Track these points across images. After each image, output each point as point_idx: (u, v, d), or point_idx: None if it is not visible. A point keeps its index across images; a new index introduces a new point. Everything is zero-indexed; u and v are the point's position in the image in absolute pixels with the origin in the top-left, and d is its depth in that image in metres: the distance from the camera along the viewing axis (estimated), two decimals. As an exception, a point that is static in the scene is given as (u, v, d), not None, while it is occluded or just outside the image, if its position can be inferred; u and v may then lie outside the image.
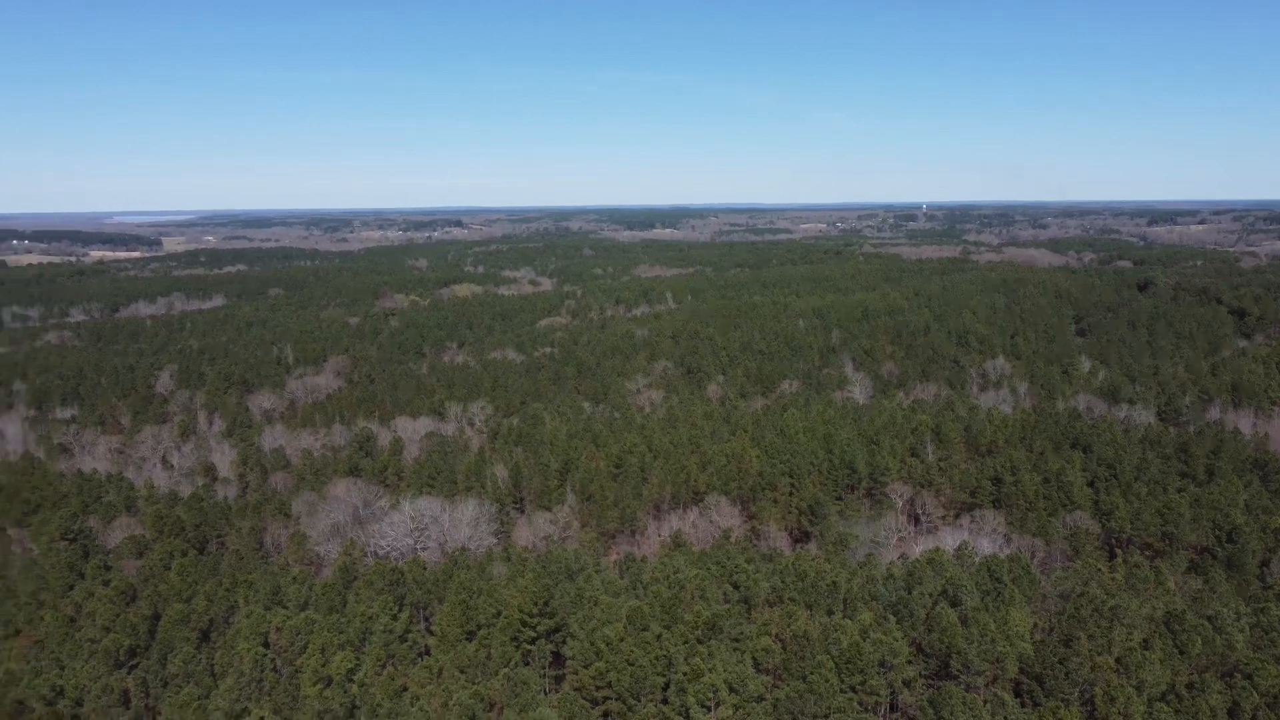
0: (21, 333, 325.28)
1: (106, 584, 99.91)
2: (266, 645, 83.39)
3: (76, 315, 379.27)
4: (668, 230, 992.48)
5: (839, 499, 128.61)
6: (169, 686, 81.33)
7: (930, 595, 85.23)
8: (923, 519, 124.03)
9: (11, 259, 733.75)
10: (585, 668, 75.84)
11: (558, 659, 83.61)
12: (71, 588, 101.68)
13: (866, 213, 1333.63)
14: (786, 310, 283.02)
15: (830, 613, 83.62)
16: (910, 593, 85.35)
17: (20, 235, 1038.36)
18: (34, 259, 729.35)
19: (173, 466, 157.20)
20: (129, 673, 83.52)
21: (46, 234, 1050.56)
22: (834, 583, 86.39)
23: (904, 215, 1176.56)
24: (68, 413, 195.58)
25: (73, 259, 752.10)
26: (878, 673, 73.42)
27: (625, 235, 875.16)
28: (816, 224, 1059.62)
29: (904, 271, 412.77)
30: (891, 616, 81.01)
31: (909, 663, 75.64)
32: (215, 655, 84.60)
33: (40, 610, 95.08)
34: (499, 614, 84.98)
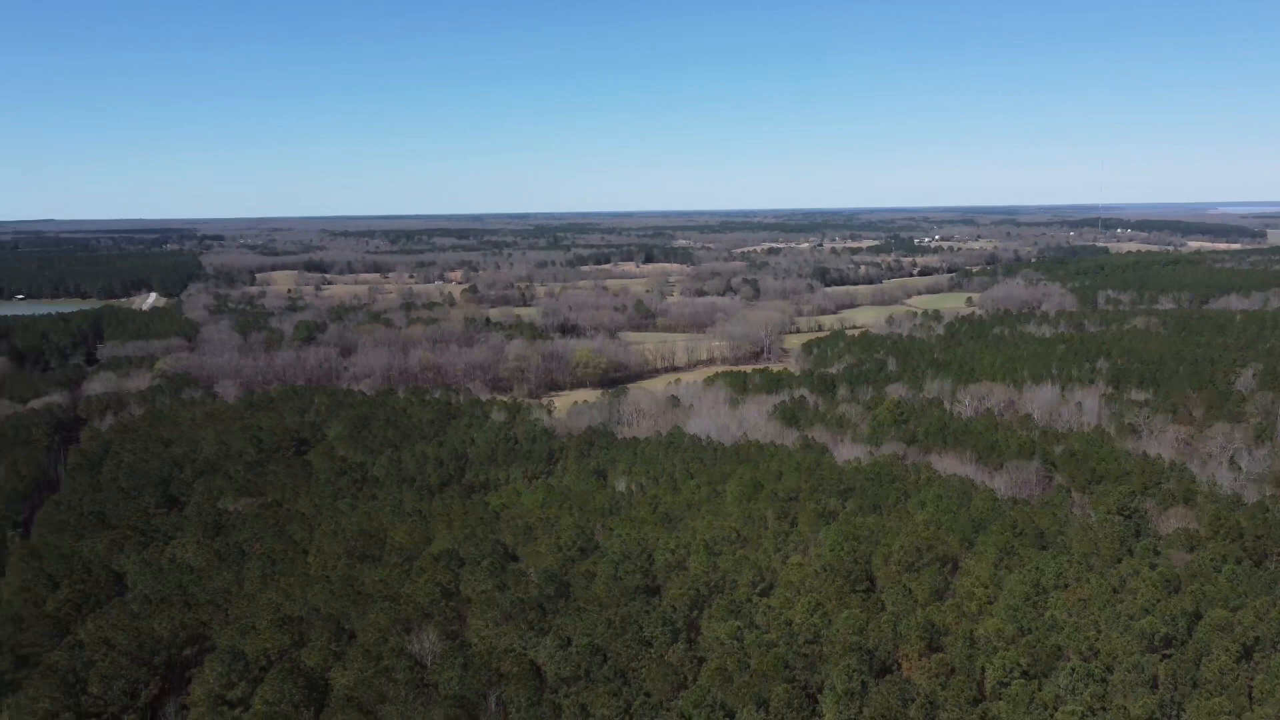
0: (1111, 314, 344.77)
1: (1153, 568, 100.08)
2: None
3: (1165, 303, 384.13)
4: None
5: None
6: (1198, 689, 77.88)
7: None
8: None
9: (1114, 246, 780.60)
10: None
11: None
12: (1119, 560, 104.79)
13: None
14: None
15: None
16: None
17: (1125, 224, 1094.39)
18: (1133, 246, 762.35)
19: (1240, 468, 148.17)
20: (1161, 660, 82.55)
21: (1148, 223, 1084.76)
22: None
23: None
24: (1142, 395, 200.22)
25: (1169, 248, 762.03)
26: None
27: None
28: None
29: None
30: None
31: None
32: (1255, 676, 77.67)
33: (1088, 572, 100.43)
34: None
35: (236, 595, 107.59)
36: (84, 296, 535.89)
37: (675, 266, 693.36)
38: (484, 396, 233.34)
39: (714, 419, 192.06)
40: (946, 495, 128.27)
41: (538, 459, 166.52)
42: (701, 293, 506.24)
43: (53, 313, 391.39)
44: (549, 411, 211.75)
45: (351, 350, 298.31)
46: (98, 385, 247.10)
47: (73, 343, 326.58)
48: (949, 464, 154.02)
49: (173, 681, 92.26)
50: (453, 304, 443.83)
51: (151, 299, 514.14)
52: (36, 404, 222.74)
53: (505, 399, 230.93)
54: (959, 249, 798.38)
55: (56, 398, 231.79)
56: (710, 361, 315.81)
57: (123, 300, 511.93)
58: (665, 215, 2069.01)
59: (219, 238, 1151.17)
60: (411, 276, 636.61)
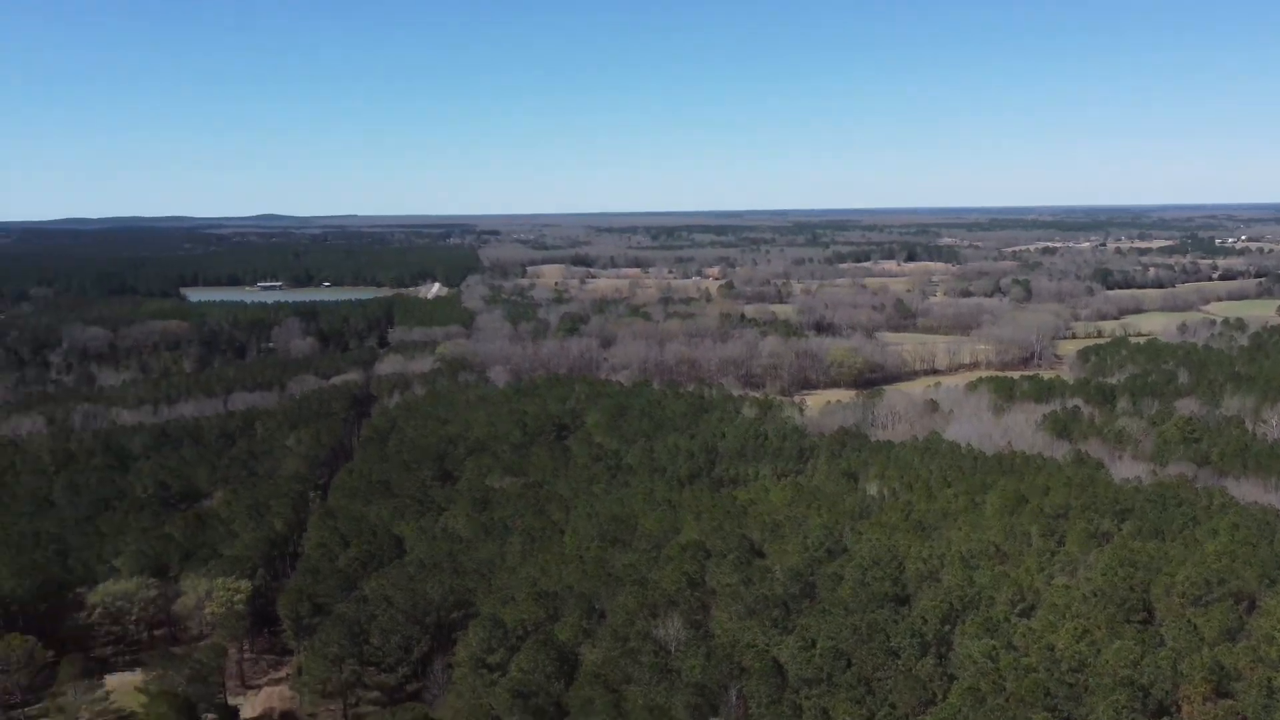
0: None
1: None
2: None
3: None
4: None
5: None
6: None
7: None
8: None
9: None
10: None
11: None
12: None
13: None
14: None
15: None
16: None
17: None
18: None
19: None
20: None
21: None
22: None
23: None
24: None
25: None
26: None
27: None
28: None
29: None
30: None
31: None
32: None
33: None
34: None
35: (499, 567, 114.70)
36: (378, 285, 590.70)
37: (939, 265, 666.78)
38: (736, 392, 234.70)
39: (975, 426, 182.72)
40: (1244, 525, 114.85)
41: (788, 457, 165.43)
42: (967, 293, 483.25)
43: (352, 299, 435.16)
44: (801, 410, 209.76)
45: (611, 342, 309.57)
46: (387, 366, 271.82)
47: (368, 326, 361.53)
48: (1249, 490, 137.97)
49: (441, 641, 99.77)
50: (709, 300, 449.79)
51: (435, 289, 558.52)
52: (337, 380, 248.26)
53: (757, 395, 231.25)
54: (1270, 250, 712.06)
55: (353, 375, 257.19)
56: (973, 366, 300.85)
57: (410, 289, 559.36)
58: (931, 212, 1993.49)
59: (495, 233, 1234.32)
60: (670, 272, 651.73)
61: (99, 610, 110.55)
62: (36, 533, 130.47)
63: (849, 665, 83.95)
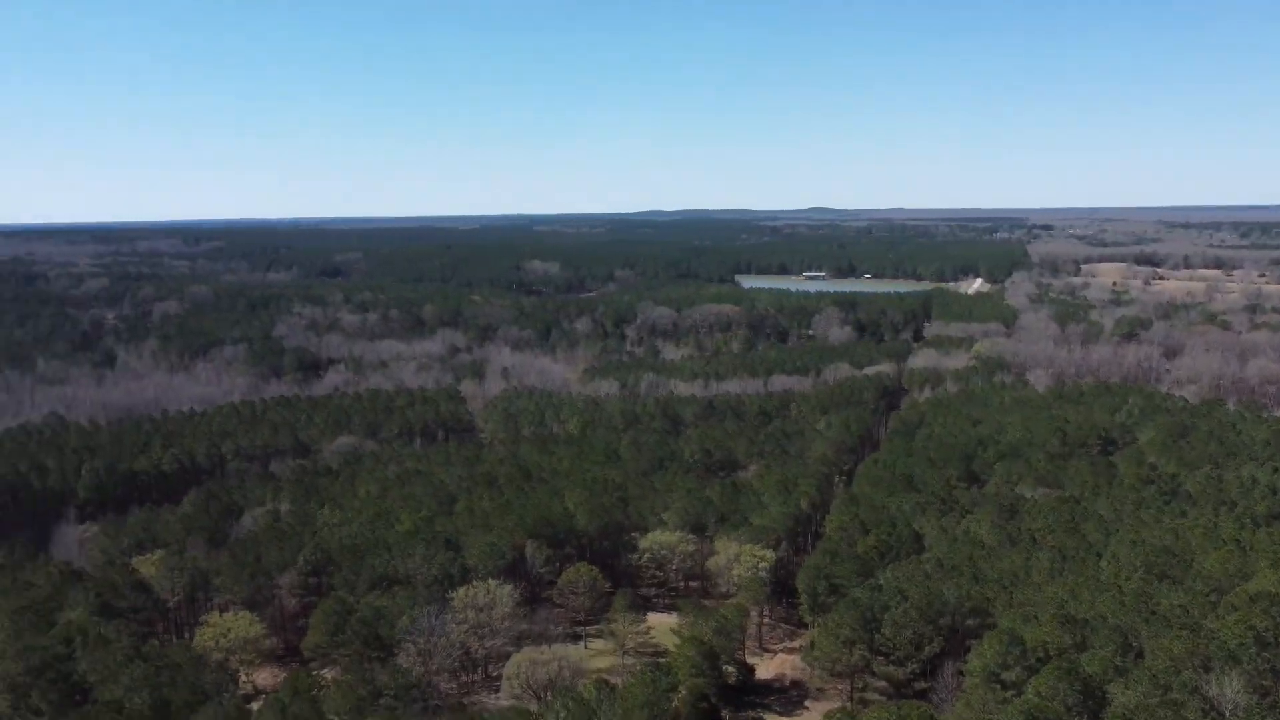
0: None
1: None
2: None
3: None
4: None
5: None
6: None
7: None
8: None
9: None
10: None
11: None
12: None
13: None
14: None
15: None
16: None
17: None
18: None
19: None
20: None
21: None
22: None
23: None
24: None
25: None
26: None
27: None
28: None
29: None
30: None
31: None
32: None
33: None
34: None
35: (1023, 581, 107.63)
36: (918, 278, 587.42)
37: None
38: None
39: None
40: None
41: None
42: None
43: (890, 292, 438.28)
44: None
45: (1177, 351, 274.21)
46: (920, 360, 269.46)
47: (904, 319, 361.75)
48: None
49: (953, 645, 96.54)
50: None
51: (977, 284, 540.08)
52: (869, 370, 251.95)
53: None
54: None
55: (885, 367, 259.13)
56: None
57: (950, 284, 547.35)
58: None
59: (1048, 227, 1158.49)
60: (1263, 275, 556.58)
61: (647, 555, 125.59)
62: (606, 480, 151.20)
63: None
